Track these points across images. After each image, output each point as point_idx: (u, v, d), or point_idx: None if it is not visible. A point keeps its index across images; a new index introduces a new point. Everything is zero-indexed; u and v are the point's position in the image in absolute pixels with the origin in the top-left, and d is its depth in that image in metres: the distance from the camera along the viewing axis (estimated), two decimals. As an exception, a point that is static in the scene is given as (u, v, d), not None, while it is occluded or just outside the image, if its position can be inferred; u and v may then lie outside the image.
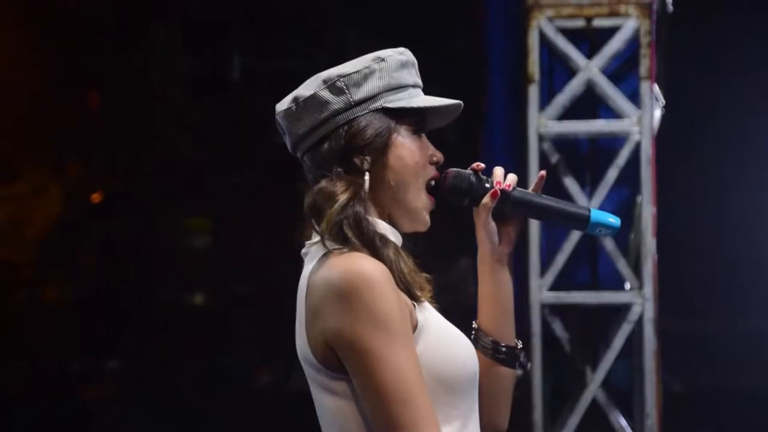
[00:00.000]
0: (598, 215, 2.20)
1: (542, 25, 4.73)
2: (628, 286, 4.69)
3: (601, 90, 4.71)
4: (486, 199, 2.18)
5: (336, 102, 2.10)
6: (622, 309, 4.68)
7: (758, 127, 7.34)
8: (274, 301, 11.34)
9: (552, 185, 4.76)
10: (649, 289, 4.63)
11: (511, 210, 2.21)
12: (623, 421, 4.71)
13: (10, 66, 11.90)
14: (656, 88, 4.80)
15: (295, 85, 2.19)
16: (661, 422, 4.66)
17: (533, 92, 4.71)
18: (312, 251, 2.12)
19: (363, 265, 2.00)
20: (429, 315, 2.09)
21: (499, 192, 2.17)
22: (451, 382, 2.05)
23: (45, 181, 12.20)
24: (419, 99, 2.15)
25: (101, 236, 11.33)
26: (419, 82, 2.18)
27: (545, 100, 4.74)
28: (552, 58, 4.79)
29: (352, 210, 2.06)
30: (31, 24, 11.29)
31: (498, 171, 2.21)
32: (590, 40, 4.80)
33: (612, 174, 4.67)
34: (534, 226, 4.66)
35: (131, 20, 10.77)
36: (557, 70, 4.84)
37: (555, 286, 4.68)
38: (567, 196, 4.72)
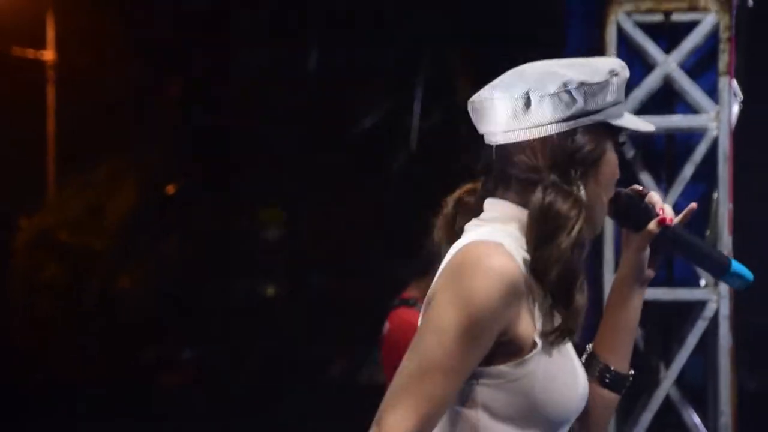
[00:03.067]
0: (737, 266, 2.20)
1: (620, 19, 4.70)
2: (703, 282, 4.66)
3: (679, 85, 4.68)
4: (652, 226, 2.17)
5: (571, 108, 2.07)
6: (697, 306, 4.64)
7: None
8: (349, 292, 11.37)
9: (628, 180, 4.73)
10: (724, 286, 4.59)
11: (664, 242, 2.20)
12: (696, 419, 4.67)
13: (91, 56, 12.02)
14: (735, 83, 4.75)
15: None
16: (736, 420, 4.62)
17: (610, 87, 4.68)
18: (471, 232, 2.10)
19: (502, 264, 1.99)
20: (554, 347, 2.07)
21: (666, 221, 2.17)
22: (545, 415, 2.05)
23: (123, 169, 12.33)
24: (636, 121, 2.17)
25: (178, 225, 11.44)
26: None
27: (622, 95, 4.70)
28: (630, 52, 4.76)
29: (579, 239, 2.04)
30: (111, 14, 11.40)
31: (657, 198, 2.21)
32: (668, 34, 4.76)
33: (688, 170, 4.64)
34: (608, 220, 4.62)
35: (212, 11, 10.85)
36: (635, 64, 4.80)
37: (629, 282, 4.64)
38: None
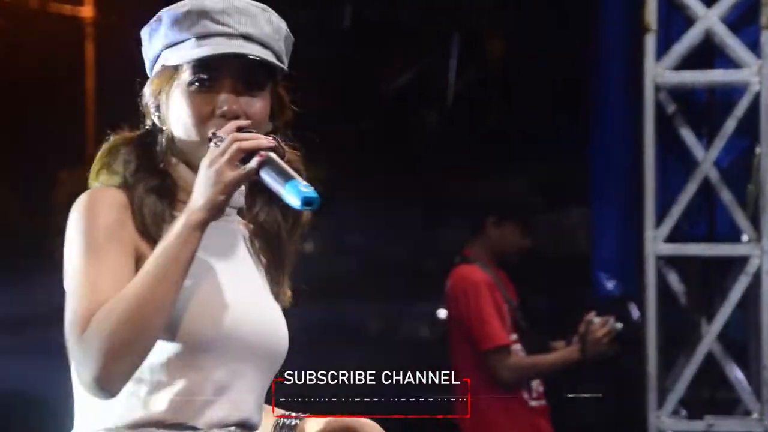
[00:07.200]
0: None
1: (662, -27, 4.66)
2: (745, 238, 4.64)
3: (720, 39, 4.64)
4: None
5: (145, 58, 2.22)
6: (739, 261, 4.63)
7: None
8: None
9: (669, 136, 4.72)
10: (767, 241, 4.57)
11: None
12: (739, 374, 4.67)
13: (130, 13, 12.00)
14: (778, 37, 4.71)
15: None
16: (778, 375, 4.61)
17: (650, 41, 4.65)
18: None
19: (95, 189, 2.12)
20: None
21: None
22: (185, 338, 2.05)
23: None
24: (183, 54, 2.12)
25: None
26: (209, 29, 2.11)
27: (662, 50, 4.68)
28: (670, 6, 4.72)
29: (121, 157, 2.17)
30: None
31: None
32: (710, -13, 4.73)
33: (730, 125, 4.61)
34: (649, 177, 4.62)
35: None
36: (675, 18, 4.77)
37: (671, 238, 4.64)
38: (684, 147, 4.69)
